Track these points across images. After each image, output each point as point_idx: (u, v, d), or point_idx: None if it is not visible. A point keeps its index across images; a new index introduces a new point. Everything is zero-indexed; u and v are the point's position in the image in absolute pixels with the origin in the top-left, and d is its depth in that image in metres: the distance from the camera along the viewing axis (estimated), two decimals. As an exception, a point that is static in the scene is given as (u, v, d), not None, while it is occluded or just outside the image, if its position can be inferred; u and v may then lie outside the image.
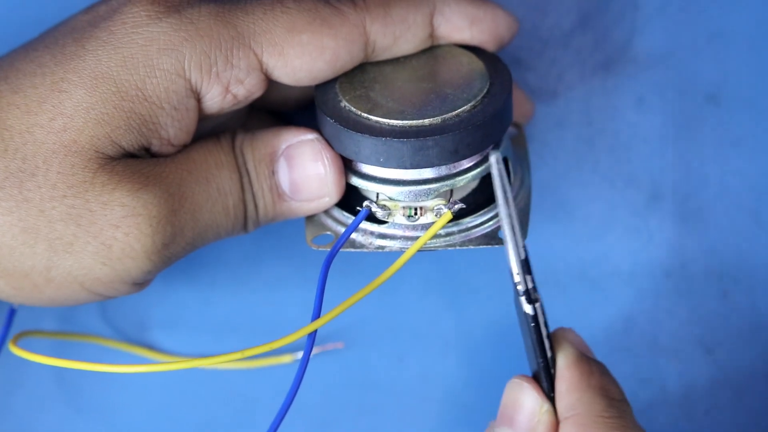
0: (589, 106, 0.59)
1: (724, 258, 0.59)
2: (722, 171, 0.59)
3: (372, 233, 0.51)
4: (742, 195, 0.59)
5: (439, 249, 0.50)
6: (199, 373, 0.59)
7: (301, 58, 0.49)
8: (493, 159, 0.44)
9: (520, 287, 0.45)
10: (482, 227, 0.51)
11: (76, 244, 0.47)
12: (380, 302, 0.59)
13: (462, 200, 0.50)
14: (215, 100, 0.49)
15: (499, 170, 0.44)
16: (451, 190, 0.50)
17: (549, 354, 0.47)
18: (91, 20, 0.48)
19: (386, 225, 0.50)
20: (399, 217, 0.50)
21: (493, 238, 0.50)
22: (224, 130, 0.53)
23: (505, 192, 0.44)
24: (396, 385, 0.60)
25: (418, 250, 0.49)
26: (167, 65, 0.47)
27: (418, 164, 0.49)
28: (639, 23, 0.59)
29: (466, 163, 0.50)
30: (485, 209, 0.51)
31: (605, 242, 0.59)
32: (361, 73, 0.51)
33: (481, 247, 0.50)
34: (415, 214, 0.50)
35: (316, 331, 0.48)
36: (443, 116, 0.49)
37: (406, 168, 0.49)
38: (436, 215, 0.50)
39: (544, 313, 0.46)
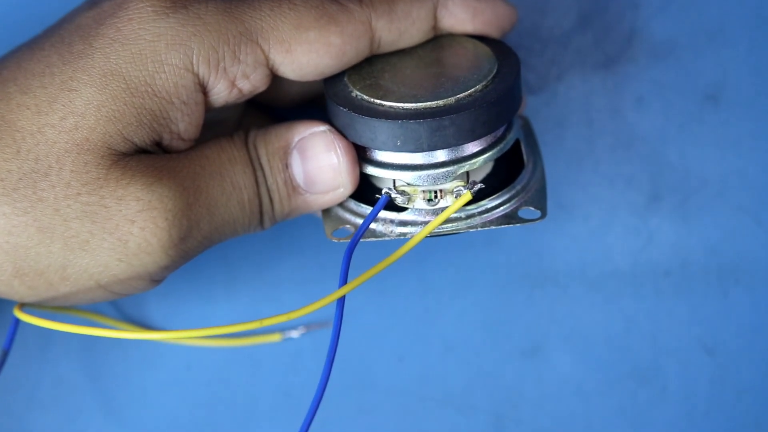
0: (589, 106, 0.59)
1: (724, 258, 0.59)
2: (722, 171, 0.59)
3: (392, 221, 0.50)
4: (742, 195, 0.59)
5: (461, 231, 0.50)
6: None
7: (308, 55, 0.49)
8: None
9: None
10: (501, 208, 0.51)
11: (92, 241, 0.47)
12: (380, 302, 0.59)
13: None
14: (221, 94, 0.49)
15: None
16: (468, 173, 0.50)
17: None
18: (96, 17, 0.48)
19: (406, 212, 0.50)
20: (419, 202, 0.50)
21: (513, 217, 0.50)
22: (221, 121, 0.53)
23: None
24: (396, 385, 0.60)
25: (442, 235, 0.49)
26: (176, 60, 0.47)
27: (436, 145, 0.49)
28: (639, 23, 0.58)
29: (482, 143, 0.50)
30: (503, 190, 0.51)
31: (605, 242, 0.59)
32: (368, 65, 0.51)
33: (502, 227, 0.50)
34: (436, 197, 0.50)
35: (344, 299, 0.48)
36: (457, 96, 0.49)
37: (423, 150, 0.49)
38: (455, 197, 0.49)
39: None
